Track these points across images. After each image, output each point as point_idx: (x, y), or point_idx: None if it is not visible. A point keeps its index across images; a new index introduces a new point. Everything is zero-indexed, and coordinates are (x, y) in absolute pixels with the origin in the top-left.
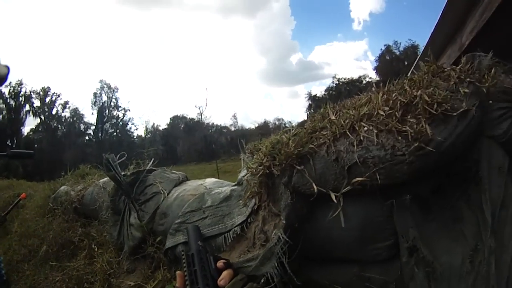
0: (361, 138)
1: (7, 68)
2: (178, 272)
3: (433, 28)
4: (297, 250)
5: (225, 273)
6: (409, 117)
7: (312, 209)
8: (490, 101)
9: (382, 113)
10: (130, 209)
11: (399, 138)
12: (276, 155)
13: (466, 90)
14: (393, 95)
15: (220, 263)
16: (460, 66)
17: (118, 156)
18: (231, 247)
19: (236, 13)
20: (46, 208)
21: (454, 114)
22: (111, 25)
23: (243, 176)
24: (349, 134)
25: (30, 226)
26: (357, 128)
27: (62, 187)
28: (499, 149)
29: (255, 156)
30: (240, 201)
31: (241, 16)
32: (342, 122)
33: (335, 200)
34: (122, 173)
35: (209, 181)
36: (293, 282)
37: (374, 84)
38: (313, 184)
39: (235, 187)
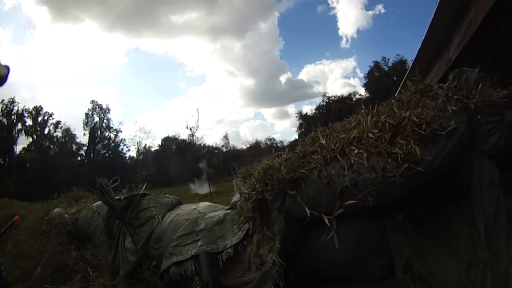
0: (352, 161)
1: (7, 68)
2: None
3: (420, 44)
4: (293, 272)
5: None
6: (398, 138)
7: (306, 231)
8: (479, 116)
9: (371, 135)
10: (124, 234)
11: (389, 160)
12: (268, 180)
13: (454, 108)
14: (382, 117)
15: None
16: (447, 83)
17: (111, 180)
18: (227, 270)
19: (225, 34)
20: (39, 230)
21: (443, 133)
22: (102, 49)
23: (236, 201)
24: (340, 158)
25: (23, 248)
26: (347, 152)
27: (56, 209)
28: (490, 162)
29: (247, 182)
30: (235, 226)
31: (230, 37)
32: (333, 146)
33: (328, 223)
34: (116, 197)
35: (203, 205)
36: None
37: (363, 102)
38: (306, 208)
39: (229, 211)
